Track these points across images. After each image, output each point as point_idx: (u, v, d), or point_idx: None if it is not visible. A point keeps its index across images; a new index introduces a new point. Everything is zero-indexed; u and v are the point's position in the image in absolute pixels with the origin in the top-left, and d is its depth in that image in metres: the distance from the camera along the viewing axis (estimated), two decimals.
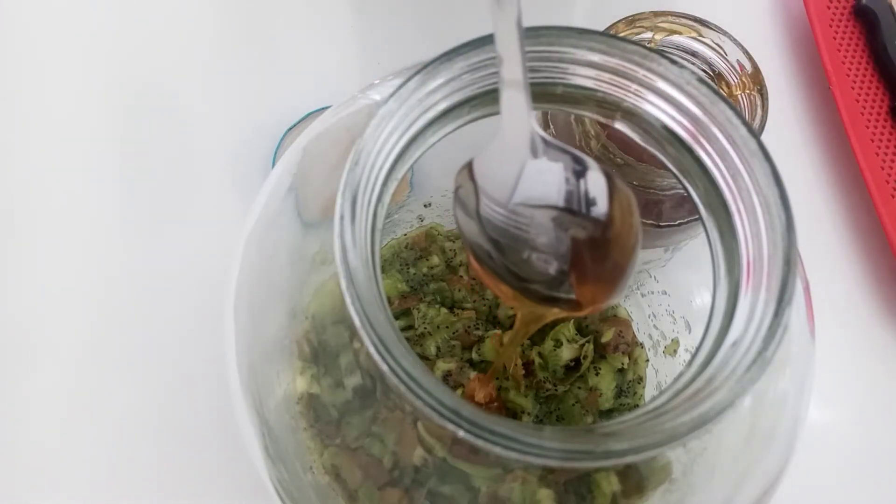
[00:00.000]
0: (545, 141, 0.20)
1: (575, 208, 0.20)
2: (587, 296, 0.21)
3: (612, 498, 0.25)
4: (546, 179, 0.20)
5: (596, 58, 0.21)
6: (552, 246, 0.21)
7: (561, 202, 0.20)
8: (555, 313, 0.23)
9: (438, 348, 0.32)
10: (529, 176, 0.20)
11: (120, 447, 0.36)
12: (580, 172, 0.20)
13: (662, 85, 0.21)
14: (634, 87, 0.21)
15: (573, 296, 0.21)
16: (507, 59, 0.19)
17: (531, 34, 0.21)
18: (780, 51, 0.48)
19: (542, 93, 0.22)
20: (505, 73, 0.19)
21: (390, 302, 0.33)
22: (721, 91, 0.21)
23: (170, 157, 0.41)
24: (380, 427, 0.25)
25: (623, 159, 0.28)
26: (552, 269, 0.21)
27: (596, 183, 0.20)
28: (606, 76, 0.21)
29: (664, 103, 0.21)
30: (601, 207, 0.20)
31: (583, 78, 0.21)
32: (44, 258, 0.39)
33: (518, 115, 0.20)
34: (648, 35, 0.29)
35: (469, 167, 0.21)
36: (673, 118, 0.21)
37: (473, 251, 0.22)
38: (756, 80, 0.28)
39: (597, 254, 0.21)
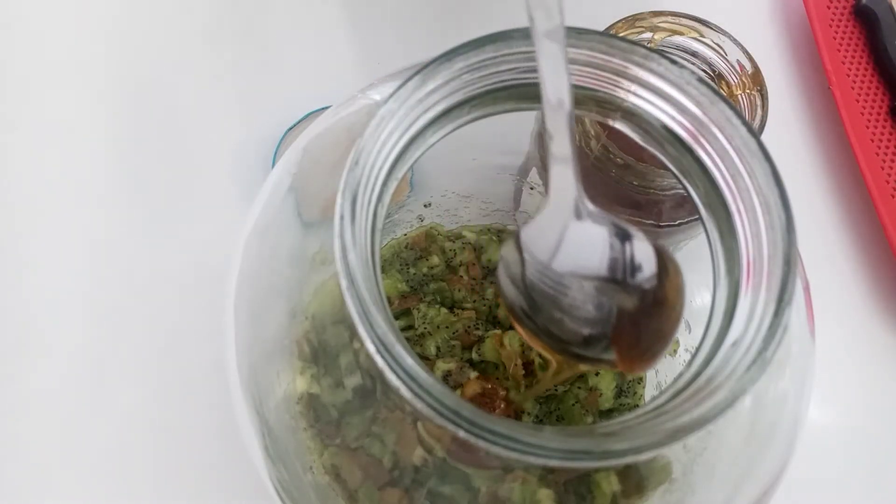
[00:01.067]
0: (590, 211, 0.21)
1: (620, 277, 0.21)
2: (627, 361, 0.21)
3: (612, 498, 0.25)
4: (591, 246, 0.21)
5: (596, 58, 0.21)
6: (596, 313, 0.21)
7: (604, 271, 0.21)
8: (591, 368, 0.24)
9: (438, 348, 0.32)
10: (574, 241, 0.21)
11: (119, 447, 0.36)
12: (624, 238, 0.21)
13: (662, 85, 0.21)
14: (634, 87, 0.21)
15: (612, 357, 0.22)
16: (557, 136, 0.20)
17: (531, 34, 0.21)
18: (780, 51, 0.48)
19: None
20: (555, 148, 0.20)
21: (390, 302, 0.33)
22: (721, 91, 0.21)
23: (170, 157, 0.41)
24: (380, 427, 0.25)
25: (623, 159, 0.28)
26: (587, 331, 0.21)
27: (642, 251, 0.21)
28: (606, 76, 0.21)
29: (664, 103, 0.21)
30: (648, 276, 0.21)
31: (583, 78, 0.21)
32: (44, 258, 0.39)
33: (566, 186, 0.21)
34: (648, 35, 0.29)
35: (516, 238, 0.22)
36: (673, 118, 0.21)
37: (514, 313, 0.22)
38: (756, 80, 0.28)
39: (641, 322, 0.21)
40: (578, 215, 0.21)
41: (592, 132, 0.29)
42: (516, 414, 0.31)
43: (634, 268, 0.21)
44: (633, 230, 0.21)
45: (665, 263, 0.21)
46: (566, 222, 0.21)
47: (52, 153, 0.41)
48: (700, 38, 0.29)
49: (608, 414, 0.32)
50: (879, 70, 0.46)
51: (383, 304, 0.19)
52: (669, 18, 0.29)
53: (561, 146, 0.20)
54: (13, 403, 0.36)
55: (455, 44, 0.21)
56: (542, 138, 0.31)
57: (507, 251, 0.22)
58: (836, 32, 0.46)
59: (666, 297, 0.21)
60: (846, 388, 0.41)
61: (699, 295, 0.31)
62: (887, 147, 0.44)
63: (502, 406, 0.30)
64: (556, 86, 0.19)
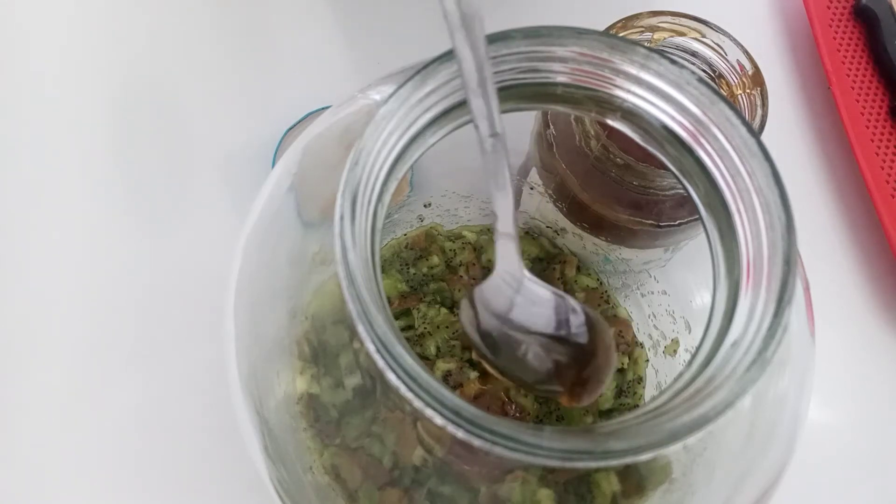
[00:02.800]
0: (529, 278, 0.24)
1: (562, 334, 0.24)
2: (572, 397, 0.25)
3: (612, 498, 0.25)
4: (534, 310, 0.24)
5: (596, 58, 0.21)
6: (542, 360, 0.25)
7: (550, 329, 0.24)
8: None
9: (438, 348, 0.32)
10: (519, 305, 0.25)
11: (119, 447, 0.36)
12: (562, 307, 0.24)
13: (662, 85, 0.21)
14: (634, 87, 0.21)
15: (559, 390, 0.25)
16: (501, 216, 0.23)
17: (531, 33, 0.21)
18: (780, 51, 0.48)
19: (543, 93, 0.22)
20: (500, 227, 0.23)
21: (390, 302, 0.33)
22: (721, 91, 0.21)
23: (170, 157, 0.41)
24: (380, 427, 0.25)
25: (623, 159, 0.28)
26: (536, 374, 0.25)
27: (577, 313, 0.24)
28: (607, 76, 0.21)
29: (664, 103, 0.21)
30: (582, 338, 0.24)
31: (583, 78, 0.21)
32: (44, 258, 0.39)
33: (511, 260, 0.24)
34: (648, 35, 0.29)
35: (470, 296, 0.25)
36: (673, 118, 0.21)
37: (479, 353, 0.25)
38: (756, 80, 0.28)
39: (579, 367, 0.24)
40: (520, 284, 0.24)
41: (592, 132, 0.29)
42: (517, 412, 0.31)
43: (570, 326, 0.24)
44: (568, 298, 0.25)
45: (594, 324, 0.24)
46: (515, 288, 0.24)
47: (51, 153, 0.41)
48: (700, 39, 0.29)
49: (608, 414, 0.32)
50: (879, 70, 0.46)
51: (383, 304, 0.19)
52: (669, 18, 0.29)
53: (505, 225, 0.23)
54: (13, 403, 0.36)
55: None
56: (541, 138, 0.31)
57: (464, 306, 0.25)
58: (836, 32, 0.46)
59: (596, 350, 0.24)
60: (846, 388, 0.41)
61: (699, 295, 0.31)
62: (887, 147, 0.44)
63: (502, 406, 0.30)
64: (499, 177, 0.22)
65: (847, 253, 0.44)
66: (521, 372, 0.25)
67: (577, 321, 0.24)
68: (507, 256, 0.24)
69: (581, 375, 0.24)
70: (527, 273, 0.24)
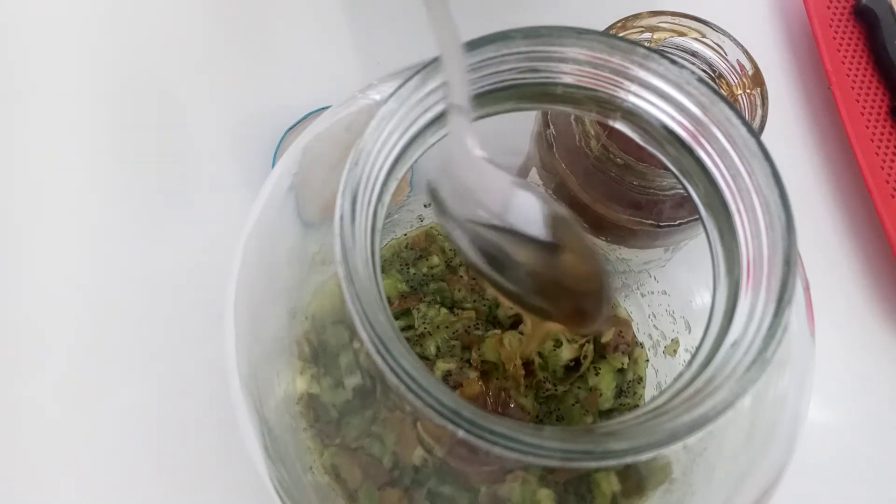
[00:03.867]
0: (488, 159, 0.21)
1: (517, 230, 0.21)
2: (565, 320, 0.22)
3: (612, 498, 0.25)
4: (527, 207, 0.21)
5: (596, 58, 0.21)
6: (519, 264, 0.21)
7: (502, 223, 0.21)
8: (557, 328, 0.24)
9: (438, 348, 0.32)
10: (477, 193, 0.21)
11: (119, 447, 0.36)
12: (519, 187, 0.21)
13: (662, 85, 0.21)
14: (634, 87, 0.21)
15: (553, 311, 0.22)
16: (455, 86, 0.20)
17: (531, 34, 0.21)
18: (780, 51, 0.48)
19: (542, 93, 0.22)
20: (455, 99, 0.20)
21: (390, 302, 0.33)
22: (721, 91, 0.21)
23: (169, 157, 0.41)
24: (380, 427, 0.25)
25: (623, 159, 0.28)
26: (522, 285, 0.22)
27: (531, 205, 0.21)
28: (606, 76, 0.21)
29: (664, 103, 0.21)
30: (538, 232, 0.21)
31: (583, 78, 0.21)
32: (43, 258, 0.39)
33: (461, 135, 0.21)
34: (648, 35, 0.29)
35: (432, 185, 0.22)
36: (673, 118, 0.21)
37: (473, 267, 0.22)
38: (756, 80, 0.28)
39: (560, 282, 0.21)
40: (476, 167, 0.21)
41: (592, 132, 0.29)
42: (517, 412, 0.31)
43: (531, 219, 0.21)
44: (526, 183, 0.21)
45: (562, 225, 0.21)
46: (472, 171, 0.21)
47: (51, 154, 0.41)
48: (700, 39, 0.29)
49: (608, 414, 0.32)
50: (879, 70, 0.46)
51: (383, 304, 0.19)
52: (669, 18, 0.29)
53: (459, 97, 0.20)
54: (13, 403, 0.36)
55: None
56: (541, 138, 0.31)
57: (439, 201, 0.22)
58: (836, 32, 0.46)
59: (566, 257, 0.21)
60: (846, 388, 0.41)
61: (699, 295, 0.31)
62: (887, 147, 0.44)
63: (502, 406, 0.30)
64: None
65: (847, 253, 0.44)
66: (512, 281, 0.22)
67: (535, 217, 0.21)
68: (459, 132, 0.21)
69: (575, 297, 0.22)
70: (480, 153, 0.21)
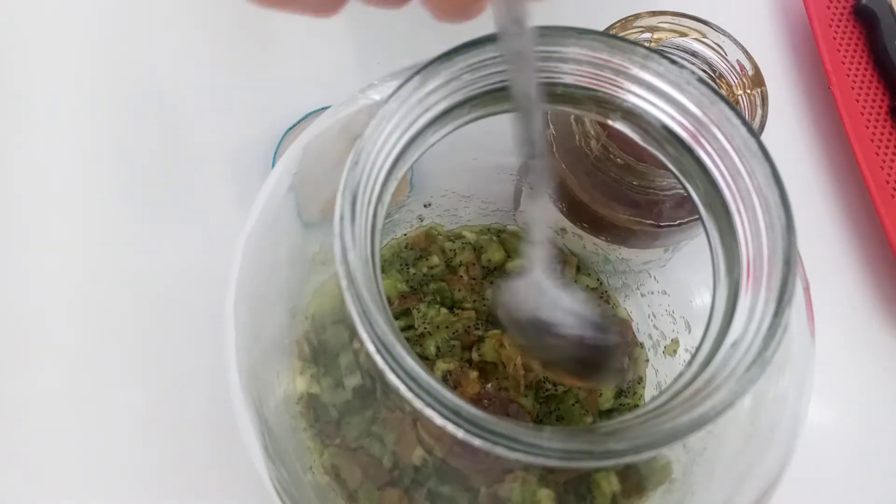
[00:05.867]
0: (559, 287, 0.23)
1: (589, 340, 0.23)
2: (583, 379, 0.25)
3: (612, 498, 0.25)
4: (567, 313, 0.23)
5: (596, 58, 0.21)
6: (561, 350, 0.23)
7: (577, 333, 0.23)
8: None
9: (438, 348, 0.32)
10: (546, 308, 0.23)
11: (119, 447, 0.36)
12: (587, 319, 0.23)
13: (662, 85, 0.21)
14: (634, 87, 0.21)
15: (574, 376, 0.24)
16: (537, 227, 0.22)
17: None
18: (780, 51, 0.48)
19: (543, 93, 0.22)
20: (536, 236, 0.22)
21: (390, 302, 0.33)
22: (721, 91, 0.21)
23: (170, 157, 0.41)
24: (380, 427, 0.25)
25: (623, 159, 0.28)
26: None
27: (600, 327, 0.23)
28: (606, 76, 0.21)
29: (664, 103, 0.21)
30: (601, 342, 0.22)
31: (583, 78, 0.21)
32: (43, 258, 0.39)
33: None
34: (648, 35, 0.29)
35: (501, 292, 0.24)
36: (673, 118, 0.21)
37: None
38: (756, 80, 0.28)
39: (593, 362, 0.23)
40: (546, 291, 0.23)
41: (592, 132, 0.29)
42: (517, 413, 0.31)
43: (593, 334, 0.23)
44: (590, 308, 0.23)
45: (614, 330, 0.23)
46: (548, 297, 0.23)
47: (51, 154, 0.41)
48: (700, 39, 0.29)
49: (608, 414, 0.32)
50: (879, 70, 0.46)
51: (383, 304, 0.19)
52: (669, 18, 0.29)
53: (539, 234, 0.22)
54: (13, 403, 0.36)
55: (455, 44, 0.21)
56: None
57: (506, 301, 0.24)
58: (836, 32, 0.46)
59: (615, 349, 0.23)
60: (846, 388, 0.41)
61: (699, 295, 0.31)
62: (887, 147, 0.44)
63: (502, 406, 0.30)
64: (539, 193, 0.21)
65: (847, 253, 0.44)
66: (543, 352, 0.24)
67: (597, 332, 0.23)
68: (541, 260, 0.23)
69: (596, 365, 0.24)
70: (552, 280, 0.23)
